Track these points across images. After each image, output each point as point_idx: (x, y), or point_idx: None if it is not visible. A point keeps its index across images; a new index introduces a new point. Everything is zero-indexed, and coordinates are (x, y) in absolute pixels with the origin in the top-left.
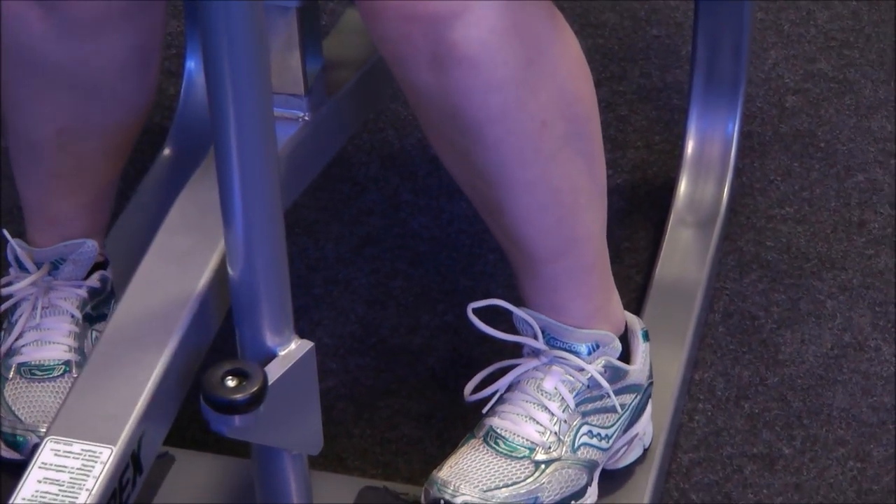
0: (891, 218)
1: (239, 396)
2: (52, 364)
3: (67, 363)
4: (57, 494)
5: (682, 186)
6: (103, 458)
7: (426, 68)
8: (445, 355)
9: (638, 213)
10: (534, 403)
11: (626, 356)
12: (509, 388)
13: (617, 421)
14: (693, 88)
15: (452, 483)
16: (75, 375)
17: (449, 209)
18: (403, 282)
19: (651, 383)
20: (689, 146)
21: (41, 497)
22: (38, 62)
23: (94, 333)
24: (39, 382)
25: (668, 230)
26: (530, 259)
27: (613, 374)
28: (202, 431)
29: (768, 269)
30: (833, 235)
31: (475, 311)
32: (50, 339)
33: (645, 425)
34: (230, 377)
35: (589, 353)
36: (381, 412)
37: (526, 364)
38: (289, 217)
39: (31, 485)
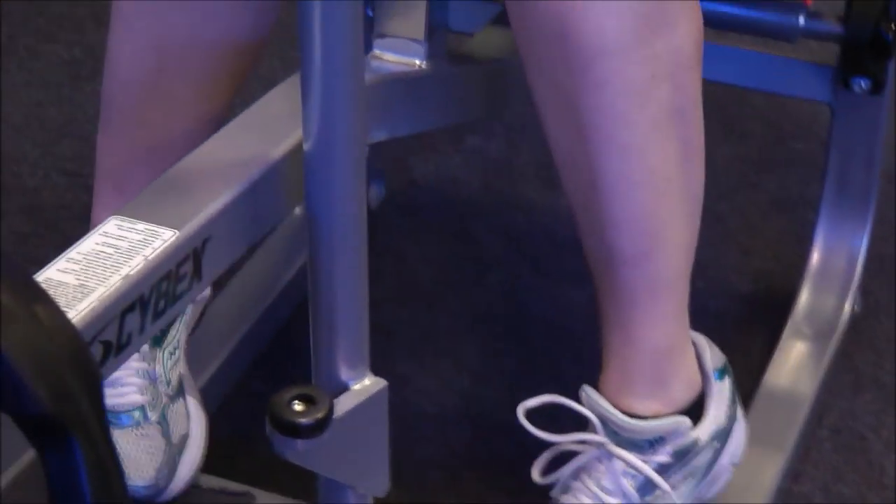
0: None
1: (303, 420)
2: (125, 410)
3: (142, 408)
4: (112, 254)
5: (803, 296)
6: (165, 237)
7: None
8: None
9: (757, 321)
10: (593, 499)
11: (699, 410)
12: (574, 475)
13: (686, 490)
14: (823, 198)
15: None
16: (153, 421)
17: (568, 296)
18: (512, 361)
19: (735, 408)
20: (815, 256)
21: (96, 255)
22: None
23: (166, 353)
24: (116, 429)
25: (783, 338)
26: (611, 256)
27: (681, 454)
28: (289, 478)
29: (884, 391)
30: None
31: (533, 409)
32: (117, 383)
33: (734, 449)
34: (298, 401)
35: (652, 446)
36: (473, 485)
37: (585, 454)
38: (408, 287)
39: (88, 244)
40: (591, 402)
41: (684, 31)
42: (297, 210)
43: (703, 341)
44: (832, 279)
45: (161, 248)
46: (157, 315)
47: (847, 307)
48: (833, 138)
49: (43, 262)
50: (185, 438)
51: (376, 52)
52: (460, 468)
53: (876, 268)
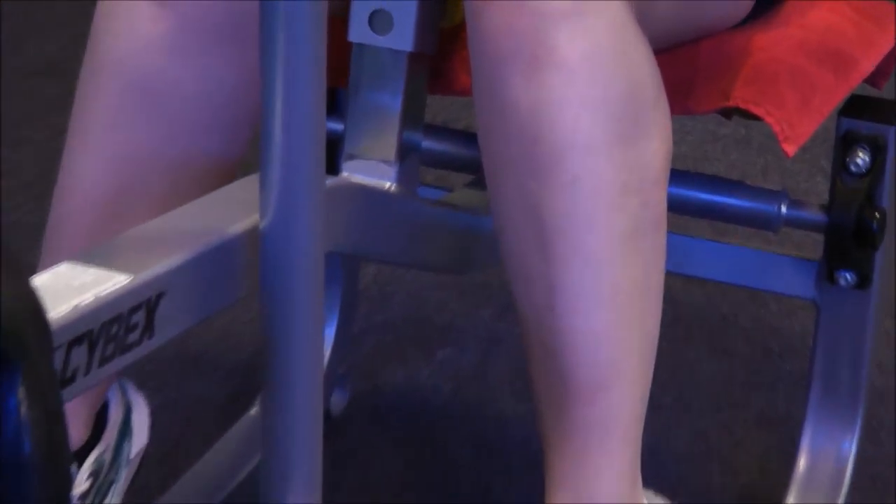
0: None
1: None
2: None
3: None
4: (63, 290)
5: (790, 500)
6: (119, 280)
7: (521, 72)
8: None
9: None
10: None
11: None
12: None
13: None
14: (810, 398)
15: None
16: None
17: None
18: None
19: None
20: (801, 461)
21: (46, 289)
22: (133, 72)
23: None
24: None
25: None
26: (564, 389)
27: None
28: None
29: None
30: None
31: None
32: None
33: None
34: None
35: None
36: None
37: None
38: (371, 492)
39: (39, 280)
40: None
41: (656, 146)
42: (253, 411)
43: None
44: (819, 485)
45: (114, 289)
46: (105, 360)
47: None
48: (818, 336)
49: None
50: None
51: (345, 174)
52: None
53: (868, 486)
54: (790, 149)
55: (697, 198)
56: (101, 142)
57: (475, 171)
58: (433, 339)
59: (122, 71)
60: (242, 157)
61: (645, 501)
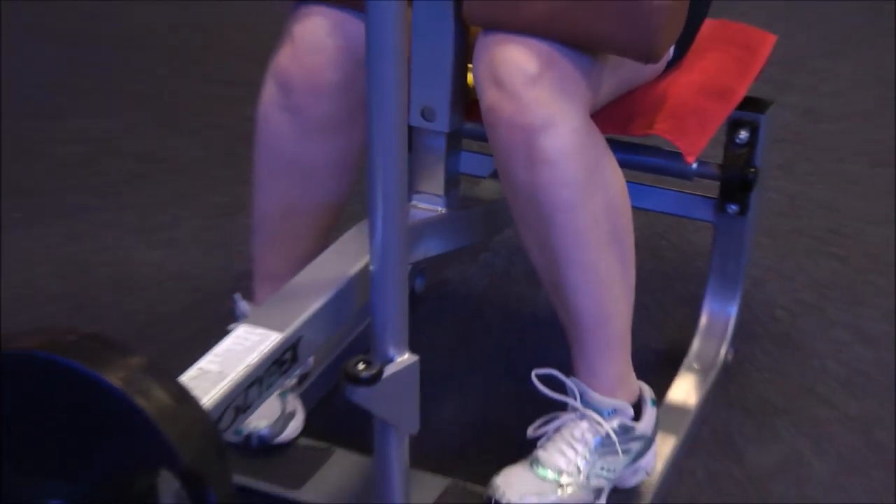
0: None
1: (363, 374)
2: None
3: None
4: (240, 351)
5: (694, 345)
6: (273, 339)
7: (522, 166)
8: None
9: (668, 364)
10: (566, 444)
11: (637, 415)
12: (556, 430)
13: (623, 462)
14: (708, 283)
15: (502, 487)
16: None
17: (543, 351)
18: (510, 389)
19: (655, 434)
20: (702, 319)
21: (229, 352)
22: (278, 153)
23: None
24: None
25: (680, 371)
26: (578, 327)
27: (625, 430)
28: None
29: (743, 407)
30: (791, 393)
31: (538, 376)
32: None
33: (649, 460)
34: (361, 364)
35: (608, 415)
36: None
37: (566, 417)
38: (436, 341)
39: (225, 344)
40: (574, 383)
41: (614, 190)
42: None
43: (643, 384)
44: (713, 334)
45: (270, 347)
46: (269, 387)
47: (722, 353)
48: (715, 245)
49: None
50: (293, 413)
51: (413, 202)
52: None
53: (743, 335)
54: (690, 159)
55: (639, 160)
56: (268, 196)
57: None
58: (478, 248)
59: (274, 154)
60: (347, 191)
61: (633, 377)
